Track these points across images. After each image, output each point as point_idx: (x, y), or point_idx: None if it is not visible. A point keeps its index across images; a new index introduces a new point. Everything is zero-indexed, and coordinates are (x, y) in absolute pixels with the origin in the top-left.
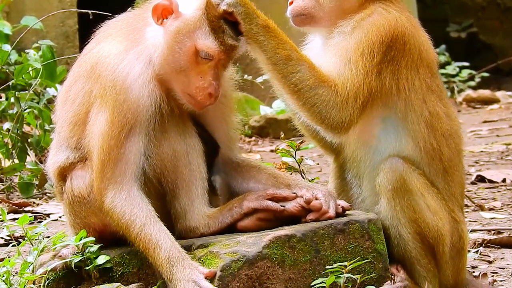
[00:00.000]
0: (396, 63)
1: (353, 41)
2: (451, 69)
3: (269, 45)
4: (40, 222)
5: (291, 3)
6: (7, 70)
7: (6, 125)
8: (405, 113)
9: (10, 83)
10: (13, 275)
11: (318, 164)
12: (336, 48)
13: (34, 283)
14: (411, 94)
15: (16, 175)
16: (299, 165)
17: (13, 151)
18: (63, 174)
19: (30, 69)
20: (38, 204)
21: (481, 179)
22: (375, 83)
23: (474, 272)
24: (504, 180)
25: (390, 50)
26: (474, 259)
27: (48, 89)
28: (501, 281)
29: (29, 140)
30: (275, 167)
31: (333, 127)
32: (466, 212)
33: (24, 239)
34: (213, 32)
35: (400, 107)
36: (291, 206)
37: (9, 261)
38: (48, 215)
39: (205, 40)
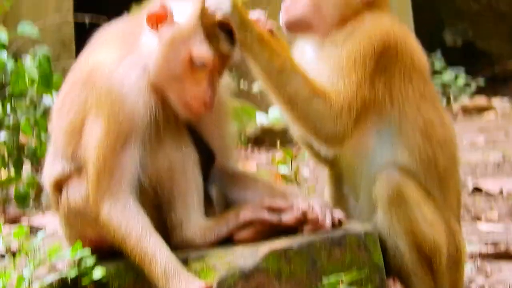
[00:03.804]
0: (389, 72)
1: (345, 51)
2: (447, 75)
3: (264, 56)
4: (36, 234)
5: (286, 9)
6: (3, 78)
7: (2, 135)
8: (400, 122)
9: (6, 91)
10: None
11: (315, 174)
12: (328, 59)
13: None
14: (405, 103)
15: (12, 187)
16: (295, 175)
17: (9, 161)
18: (59, 185)
19: (26, 77)
20: (34, 216)
21: (477, 189)
22: (368, 94)
23: (471, 285)
24: (501, 191)
25: (382, 59)
26: (471, 270)
27: (44, 97)
28: None
29: (25, 150)
30: (272, 176)
31: (327, 140)
32: (463, 223)
33: (19, 252)
34: (208, 39)
35: (394, 116)
36: (287, 217)
37: (5, 274)
38: (44, 227)
39: (200, 47)
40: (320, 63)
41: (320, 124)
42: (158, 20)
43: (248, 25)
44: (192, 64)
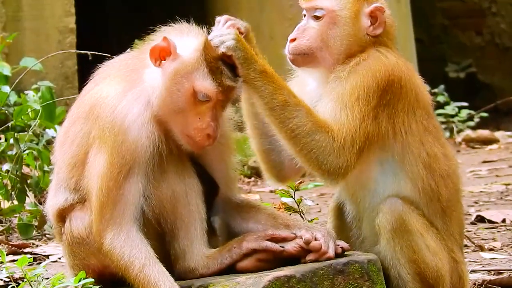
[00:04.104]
0: (393, 107)
1: (349, 86)
2: (450, 109)
3: (266, 90)
4: (40, 263)
5: (293, 40)
6: (6, 111)
7: (6, 166)
8: (403, 156)
9: (10, 124)
10: None
11: (317, 204)
12: (332, 93)
13: None
14: (408, 137)
15: (16, 216)
16: (298, 205)
17: (13, 192)
18: (62, 215)
19: (29, 110)
20: (37, 246)
21: (480, 219)
22: (371, 128)
23: None
24: (504, 220)
25: (386, 94)
26: None
27: (47, 130)
28: None
29: (28, 181)
30: (274, 207)
31: (330, 173)
32: (466, 252)
33: (23, 281)
34: (211, 73)
35: (397, 150)
36: (290, 246)
37: None
38: (47, 256)
39: (203, 81)
40: (323, 96)
41: (323, 157)
42: (162, 53)
43: (251, 59)
44: (196, 98)
